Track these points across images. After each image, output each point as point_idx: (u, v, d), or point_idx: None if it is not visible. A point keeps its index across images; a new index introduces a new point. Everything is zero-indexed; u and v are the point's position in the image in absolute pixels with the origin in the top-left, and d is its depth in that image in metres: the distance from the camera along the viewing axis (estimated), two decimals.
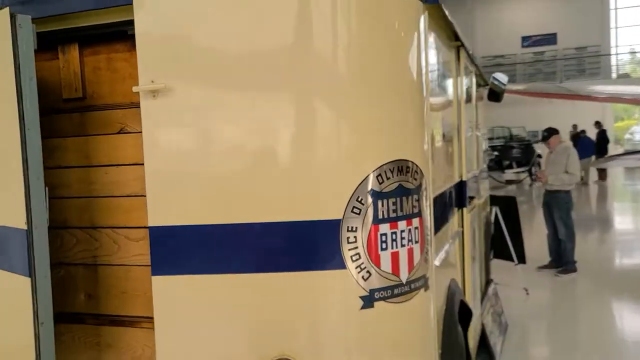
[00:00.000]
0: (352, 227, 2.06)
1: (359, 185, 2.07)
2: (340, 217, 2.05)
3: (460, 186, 3.60)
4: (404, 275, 2.17)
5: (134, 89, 2.03)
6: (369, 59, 2.13)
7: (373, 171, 2.09)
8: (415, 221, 2.22)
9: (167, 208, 2.08)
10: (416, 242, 2.22)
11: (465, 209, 3.62)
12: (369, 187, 2.08)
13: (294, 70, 2.05)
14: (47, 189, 2.22)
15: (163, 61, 2.05)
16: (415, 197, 2.22)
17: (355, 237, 2.07)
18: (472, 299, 3.70)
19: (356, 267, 2.07)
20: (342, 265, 2.06)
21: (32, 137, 2.11)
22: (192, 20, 2.05)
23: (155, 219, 2.08)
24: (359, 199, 2.07)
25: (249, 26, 2.05)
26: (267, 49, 2.04)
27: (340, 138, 2.09)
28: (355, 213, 2.07)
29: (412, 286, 2.21)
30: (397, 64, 2.22)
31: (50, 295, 2.18)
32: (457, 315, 2.91)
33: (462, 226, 3.61)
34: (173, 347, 2.11)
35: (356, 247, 2.07)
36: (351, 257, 2.06)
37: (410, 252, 2.20)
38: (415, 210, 2.22)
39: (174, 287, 2.09)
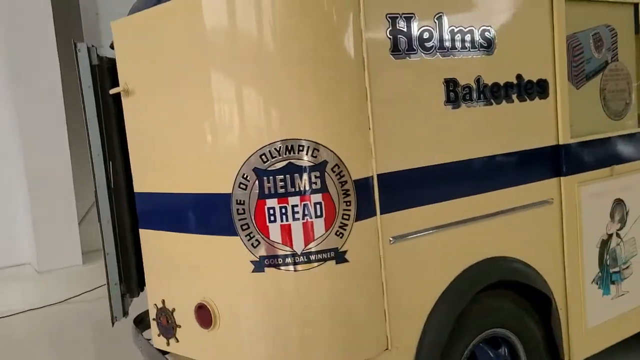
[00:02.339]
0: (240, 201, 2.35)
1: (243, 163, 2.33)
2: (230, 191, 2.36)
3: (555, 152, 3.08)
4: (298, 247, 2.33)
5: (111, 91, 2.75)
6: (259, 41, 2.32)
7: (256, 151, 2.31)
8: (316, 197, 2.33)
9: (144, 179, 2.76)
10: (318, 216, 2.33)
11: (563, 178, 3.09)
12: (253, 166, 2.31)
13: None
14: (110, 162, 3.14)
15: (133, 69, 2.69)
16: (315, 174, 2.32)
17: (243, 209, 2.35)
18: (577, 284, 3.15)
19: (246, 235, 2.36)
20: (234, 233, 2.38)
21: (92, 127, 3.05)
22: (150, 42, 2.61)
23: (138, 187, 2.79)
24: (244, 176, 2.33)
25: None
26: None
27: (229, 120, 2.37)
28: (242, 188, 2.34)
29: (313, 257, 2.34)
30: (294, 40, 2.31)
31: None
32: (467, 294, 2.69)
33: (562, 199, 3.10)
34: (155, 283, 2.82)
35: (245, 218, 2.35)
36: (241, 226, 2.36)
37: (308, 226, 2.33)
38: (315, 187, 2.32)
39: (150, 238, 2.78)
